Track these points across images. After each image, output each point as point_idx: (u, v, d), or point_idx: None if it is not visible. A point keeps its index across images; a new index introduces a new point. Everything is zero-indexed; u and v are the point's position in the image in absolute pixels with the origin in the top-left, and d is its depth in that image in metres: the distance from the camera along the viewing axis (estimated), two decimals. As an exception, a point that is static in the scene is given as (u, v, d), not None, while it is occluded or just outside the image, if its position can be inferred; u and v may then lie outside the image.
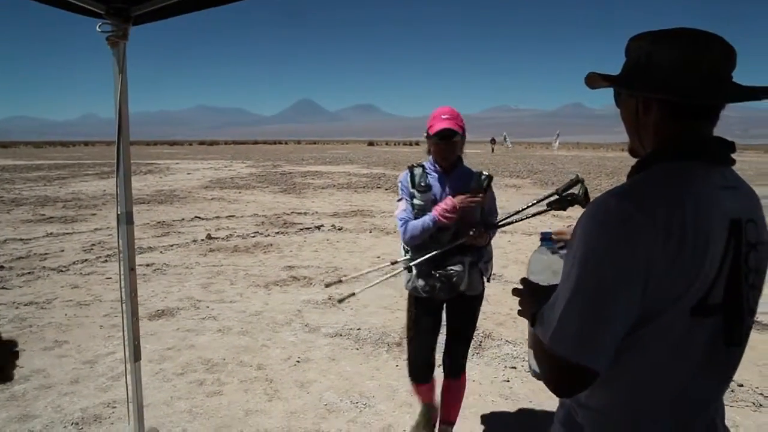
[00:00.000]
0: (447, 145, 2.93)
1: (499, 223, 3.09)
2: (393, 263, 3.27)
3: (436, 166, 3.06)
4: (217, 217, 12.69)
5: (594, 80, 1.22)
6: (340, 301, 3.83)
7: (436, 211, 2.88)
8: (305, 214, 13.26)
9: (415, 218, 2.98)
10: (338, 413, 3.89)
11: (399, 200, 3.08)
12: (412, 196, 3.03)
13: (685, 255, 1.06)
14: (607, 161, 39.53)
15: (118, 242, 2.45)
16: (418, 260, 2.98)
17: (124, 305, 2.47)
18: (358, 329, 5.54)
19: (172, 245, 9.49)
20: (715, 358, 1.15)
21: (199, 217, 12.59)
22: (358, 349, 5.06)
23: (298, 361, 4.76)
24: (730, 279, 1.12)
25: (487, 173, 3.08)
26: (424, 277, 3.01)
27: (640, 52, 1.18)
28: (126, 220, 2.43)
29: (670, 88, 1.13)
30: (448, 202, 2.89)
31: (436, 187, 3.01)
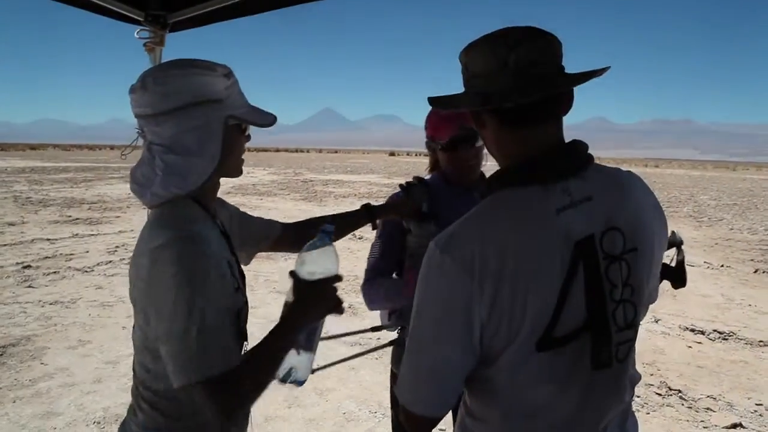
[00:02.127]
0: (470, 150, 1.94)
1: None
2: (375, 329, 2.18)
3: (448, 182, 2.06)
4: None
5: (434, 105, 1.20)
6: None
7: (409, 276, 1.93)
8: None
9: (395, 269, 2.08)
10: (357, 422, 3.88)
11: (378, 238, 2.09)
12: (402, 233, 2.03)
13: (504, 295, 1.01)
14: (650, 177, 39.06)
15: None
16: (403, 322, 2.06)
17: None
18: (378, 338, 5.53)
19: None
20: (584, 383, 1.09)
21: (222, 223, 12.71)
22: (377, 358, 5.05)
23: (318, 369, 4.75)
24: (591, 300, 1.05)
25: None
26: None
27: (461, 66, 1.13)
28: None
29: (481, 97, 1.07)
30: None
31: (447, 215, 1.85)
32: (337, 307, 1.33)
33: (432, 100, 1.20)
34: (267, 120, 1.33)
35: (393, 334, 2.15)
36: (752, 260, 10.18)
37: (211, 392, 1.13)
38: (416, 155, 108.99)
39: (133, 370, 1.40)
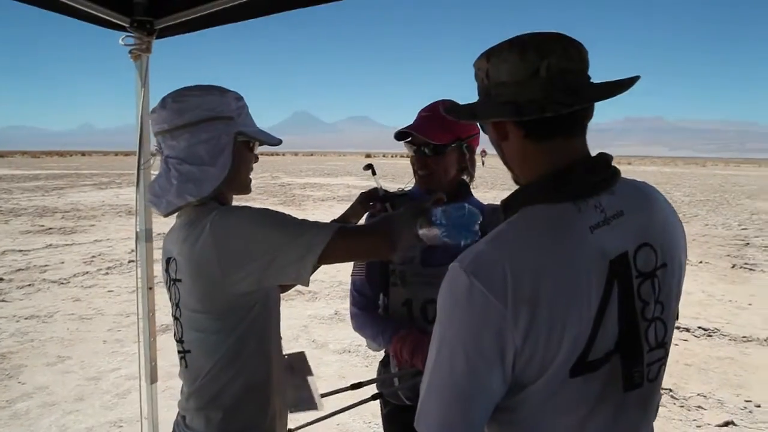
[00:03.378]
0: (420, 157, 1.85)
1: None
2: (354, 386, 1.98)
3: (427, 194, 1.86)
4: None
5: (452, 115, 1.14)
6: None
7: (393, 345, 1.81)
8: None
9: (380, 289, 1.98)
10: (351, 435, 3.80)
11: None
12: None
13: (540, 322, 0.94)
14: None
15: (137, 260, 2.38)
16: (396, 377, 1.92)
17: (140, 324, 2.40)
18: (366, 346, 5.45)
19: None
20: (615, 406, 1.05)
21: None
22: (367, 366, 4.98)
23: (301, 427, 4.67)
24: (624, 320, 1.00)
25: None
26: (409, 379, 1.89)
27: (480, 73, 1.07)
28: (145, 237, 2.36)
29: (511, 107, 1.00)
30: (413, 346, 1.74)
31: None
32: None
33: (453, 110, 1.14)
34: (273, 140, 1.49)
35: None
36: (728, 255, 10.35)
37: (350, 233, 1.35)
38: (392, 156, 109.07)
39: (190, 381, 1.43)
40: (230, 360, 1.37)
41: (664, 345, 1.08)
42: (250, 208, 1.34)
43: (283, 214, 1.33)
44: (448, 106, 1.15)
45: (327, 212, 15.74)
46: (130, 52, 2.22)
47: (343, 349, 5.37)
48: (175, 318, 1.43)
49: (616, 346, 1.00)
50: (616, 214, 1.02)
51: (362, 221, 2.00)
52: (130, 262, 9.06)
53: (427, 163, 1.84)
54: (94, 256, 9.53)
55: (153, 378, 2.42)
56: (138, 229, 2.36)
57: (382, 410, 2.12)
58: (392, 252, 1.38)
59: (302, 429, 1.90)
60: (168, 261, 1.43)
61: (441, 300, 1.03)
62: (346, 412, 3.72)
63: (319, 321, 6.21)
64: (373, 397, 2.02)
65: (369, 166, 2.02)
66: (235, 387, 1.38)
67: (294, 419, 1.67)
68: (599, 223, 0.99)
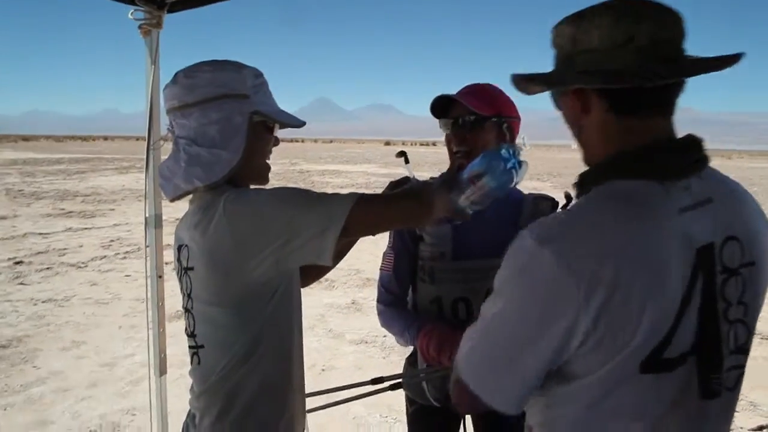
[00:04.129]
0: (457, 132, 1.69)
1: None
2: (376, 381, 1.86)
3: None
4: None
5: (521, 84, 1.03)
6: None
7: (420, 340, 1.69)
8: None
9: (408, 284, 1.85)
10: (367, 428, 3.70)
11: (390, 247, 1.85)
12: (415, 240, 1.79)
13: (616, 304, 0.86)
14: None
15: (146, 247, 2.27)
16: (423, 377, 1.79)
17: (149, 314, 2.29)
18: (384, 336, 5.35)
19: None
20: (690, 415, 0.95)
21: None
22: (384, 357, 4.87)
23: (323, 370, 4.58)
24: (704, 319, 0.90)
25: (551, 199, 1.80)
26: (437, 379, 1.77)
27: (563, 39, 0.98)
28: (155, 223, 2.25)
29: (602, 73, 0.92)
30: (440, 342, 1.64)
31: (461, 224, 1.69)
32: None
33: (524, 79, 1.02)
34: (296, 121, 1.35)
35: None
36: None
37: (376, 198, 1.24)
38: (411, 144, 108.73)
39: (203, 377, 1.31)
40: (246, 356, 1.25)
41: (745, 350, 0.98)
42: (265, 189, 1.23)
43: (301, 189, 1.21)
44: (517, 77, 1.03)
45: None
46: (139, 27, 2.10)
47: (360, 339, 5.27)
48: (187, 310, 1.32)
49: (693, 347, 0.91)
50: (704, 201, 0.93)
51: (383, 265, 1.90)
52: (148, 246, 9.06)
53: (466, 138, 1.67)
54: (112, 240, 9.55)
55: (162, 370, 2.32)
56: (147, 215, 2.25)
57: (407, 409, 1.98)
58: (429, 215, 1.26)
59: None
60: (179, 248, 1.32)
61: (506, 268, 0.96)
62: (363, 406, 3.60)
63: (336, 310, 6.12)
64: (392, 387, 1.88)
65: (402, 153, 1.88)
66: (251, 385, 1.26)
67: (308, 402, 1.54)
68: (687, 206, 0.91)
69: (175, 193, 1.31)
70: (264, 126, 1.32)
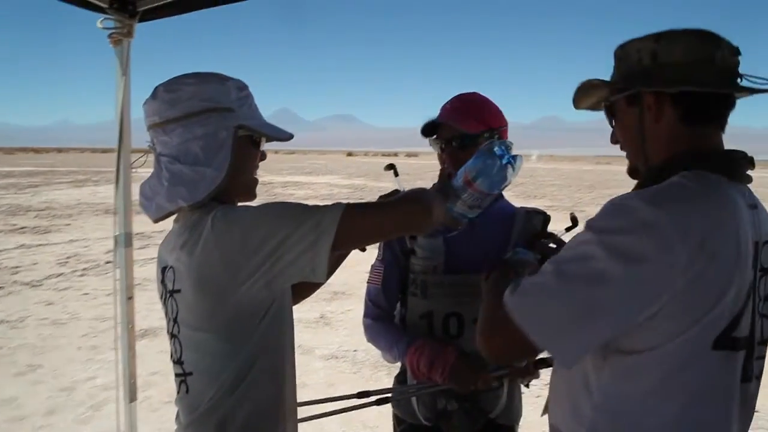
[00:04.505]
0: (450, 152, 1.68)
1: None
2: (362, 395, 1.81)
3: None
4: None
5: (590, 90, 1.16)
6: None
7: (409, 356, 1.65)
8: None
9: (396, 300, 1.81)
10: (342, 448, 3.60)
11: (379, 260, 1.80)
12: (406, 253, 1.75)
13: (709, 275, 0.95)
14: (585, 174, 39.95)
15: (115, 268, 2.16)
16: (413, 392, 1.74)
17: (119, 339, 2.18)
18: (354, 351, 5.27)
19: (151, 258, 9.09)
20: (735, 397, 1.05)
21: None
22: (355, 372, 4.79)
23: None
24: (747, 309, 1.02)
25: (543, 213, 1.78)
26: (427, 395, 1.73)
27: (641, 53, 1.10)
28: (125, 242, 2.14)
29: (688, 81, 1.05)
30: (431, 358, 1.60)
31: (454, 238, 1.65)
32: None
33: (603, 82, 1.14)
34: (283, 134, 1.30)
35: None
36: None
37: (370, 206, 1.19)
38: (374, 155, 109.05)
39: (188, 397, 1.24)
40: (237, 383, 1.17)
41: (765, 344, 1.09)
42: (253, 205, 1.18)
43: (290, 203, 1.16)
44: (591, 82, 1.14)
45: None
46: (109, 36, 2.00)
47: (330, 354, 5.17)
48: (173, 335, 1.24)
49: (749, 332, 1.02)
50: (754, 205, 1.07)
51: (371, 278, 1.84)
52: (107, 263, 8.75)
53: (459, 158, 1.61)
54: (69, 257, 9.20)
55: (132, 396, 2.20)
56: (116, 233, 2.14)
57: (394, 428, 1.92)
58: (430, 221, 1.22)
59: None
60: (163, 270, 1.24)
61: (605, 221, 1.00)
62: (337, 423, 3.51)
63: (305, 325, 6.00)
64: (378, 402, 1.81)
65: (391, 166, 1.84)
66: (243, 413, 1.19)
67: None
68: (750, 205, 1.05)
69: (159, 214, 1.24)
70: (250, 140, 1.27)
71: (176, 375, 1.24)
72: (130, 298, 2.17)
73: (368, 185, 25.41)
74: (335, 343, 5.43)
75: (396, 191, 1.49)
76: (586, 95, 1.20)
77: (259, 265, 1.10)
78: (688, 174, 1.04)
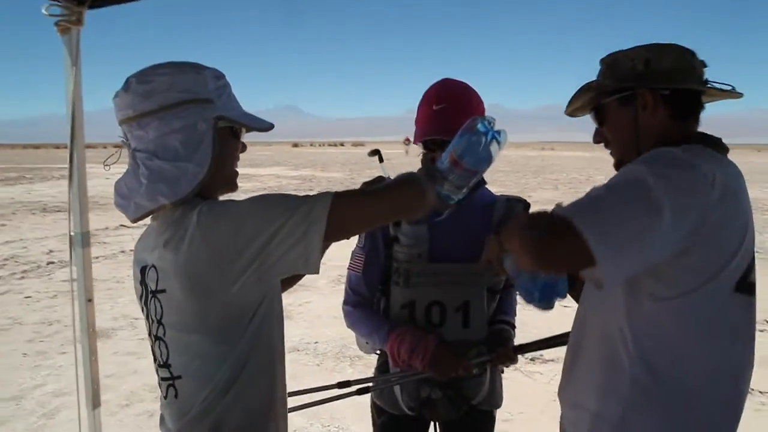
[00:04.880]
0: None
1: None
2: (342, 385, 1.83)
3: None
4: (146, 225, 11.84)
5: (583, 93, 1.36)
6: None
7: (390, 342, 1.65)
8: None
9: (377, 288, 1.79)
10: (310, 440, 3.57)
11: (360, 247, 1.78)
12: (388, 241, 1.73)
13: (734, 220, 1.12)
14: (531, 160, 40.88)
15: (71, 269, 2.05)
16: (395, 381, 1.74)
17: (79, 343, 2.07)
18: (316, 343, 5.23)
19: (97, 257, 8.73)
20: (748, 338, 1.21)
21: (125, 226, 11.74)
22: (318, 365, 4.76)
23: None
24: None
25: (523, 201, 1.80)
26: (410, 383, 1.72)
27: (635, 61, 1.28)
28: (82, 241, 2.03)
29: (682, 84, 1.26)
30: (412, 345, 1.61)
31: (437, 225, 1.68)
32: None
33: (605, 84, 1.34)
34: (264, 124, 1.25)
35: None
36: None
37: (360, 192, 1.16)
38: (319, 145, 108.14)
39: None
40: (230, 383, 1.13)
41: None
42: (239, 199, 1.13)
43: (278, 194, 1.12)
44: (594, 84, 1.35)
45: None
46: (56, 24, 1.88)
47: (292, 347, 5.11)
48: (156, 338, 1.17)
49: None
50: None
51: (351, 264, 1.83)
52: (49, 264, 8.36)
53: None
54: (6, 259, 8.73)
55: (95, 402, 2.10)
56: (72, 233, 2.02)
57: (374, 419, 1.90)
58: (425, 204, 1.20)
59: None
60: (143, 270, 1.18)
61: (650, 161, 1.13)
62: (302, 416, 3.48)
63: (263, 319, 5.91)
64: (359, 392, 1.82)
65: (376, 152, 1.81)
66: (237, 414, 1.14)
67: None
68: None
69: (138, 213, 1.18)
70: (230, 131, 1.22)
71: (162, 379, 1.18)
72: (90, 300, 2.06)
73: (316, 176, 25.20)
74: (296, 336, 5.36)
75: (381, 177, 1.47)
76: (575, 99, 1.39)
77: (251, 261, 1.06)
78: (688, 146, 1.18)
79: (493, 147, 1.24)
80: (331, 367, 4.69)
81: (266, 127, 1.25)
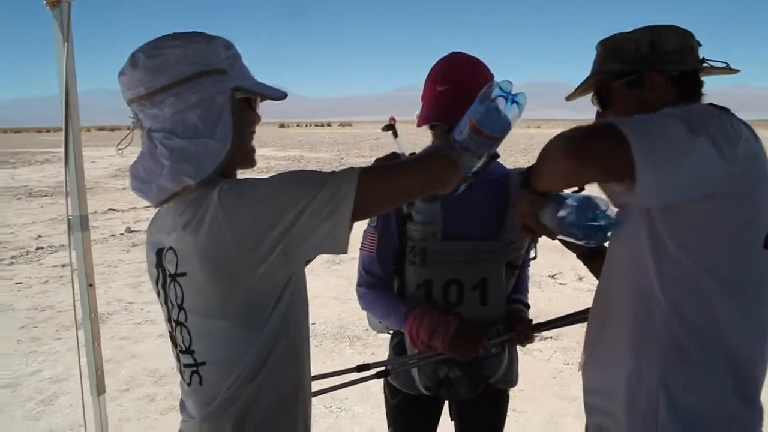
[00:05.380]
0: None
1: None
2: (360, 368, 1.81)
3: None
4: (134, 208, 11.75)
5: (587, 82, 1.39)
6: None
7: (408, 324, 1.62)
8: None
9: (392, 267, 1.74)
10: (313, 421, 3.54)
11: (372, 227, 1.73)
12: (400, 219, 1.69)
13: (756, 179, 1.11)
14: (519, 138, 40.82)
15: (70, 253, 1.99)
16: (414, 363, 1.72)
17: (81, 330, 2.02)
18: (313, 324, 5.19)
19: (87, 242, 8.63)
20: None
21: (114, 209, 11.63)
22: (317, 346, 4.73)
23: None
24: None
25: None
26: (428, 365, 1.69)
27: (639, 43, 1.29)
28: (81, 225, 1.96)
29: (688, 64, 1.29)
30: (432, 326, 1.58)
31: (452, 202, 1.59)
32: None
33: (603, 73, 1.36)
34: (278, 93, 1.19)
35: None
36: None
37: (389, 167, 1.12)
38: (306, 126, 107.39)
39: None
40: (258, 368, 1.09)
41: None
42: (261, 177, 1.07)
43: (301, 171, 1.06)
44: (590, 77, 1.38)
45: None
46: (44, -2, 1.79)
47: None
48: (178, 323, 1.12)
49: None
50: None
51: (364, 245, 1.77)
52: (38, 249, 8.24)
53: None
54: (-8, 243, 8.61)
55: (100, 389, 2.06)
56: (70, 216, 1.96)
57: (387, 399, 1.87)
58: (457, 176, 1.14)
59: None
60: (159, 253, 1.12)
61: (685, 107, 1.18)
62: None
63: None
64: (378, 375, 1.80)
65: (390, 127, 1.74)
66: (265, 401, 1.10)
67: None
68: None
69: (161, 196, 1.10)
70: (246, 103, 1.15)
71: (185, 365, 1.14)
72: (90, 285, 2.00)
73: (305, 156, 25.05)
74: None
75: (395, 154, 1.41)
76: (582, 86, 1.42)
77: (276, 242, 1.01)
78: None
79: (513, 111, 1.19)
80: (330, 348, 4.67)
81: (281, 95, 1.19)
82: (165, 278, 1.12)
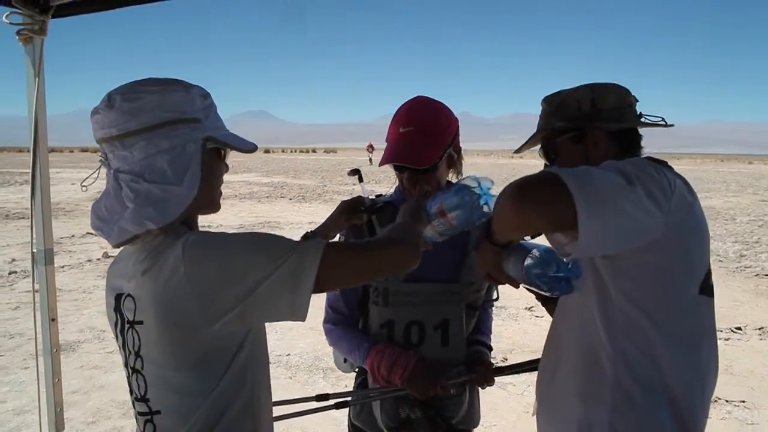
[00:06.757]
0: (412, 177, 1.65)
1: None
2: (320, 398, 1.83)
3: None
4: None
5: (535, 136, 1.48)
6: None
7: (370, 359, 1.64)
8: (209, 227, 12.50)
9: (370, 299, 1.73)
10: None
11: None
12: None
13: (691, 228, 1.18)
14: (502, 168, 41.25)
15: (33, 286, 1.97)
16: (374, 396, 1.71)
17: (41, 366, 1.98)
18: (288, 355, 5.15)
19: (62, 266, 8.48)
20: (712, 343, 1.26)
21: (92, 233, 11.46)
22: (291, 377, 4.68)
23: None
24: None
25: None
26: (389, 402, 1.68)
27: (580, 102, 1.38)
28: (45, 258, 1.95)
29: (629, 121, 1.39)
30: (392, 361, 1.60)
31: None
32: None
33: (546, 134, 1.48)
34: (248, 146, 1.21)
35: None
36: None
37: (352, 246, 1.17)
38: (291, 151, 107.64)
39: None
40: (211, 423, 1.08)
41: None
42: (227, 234, 1.08)
43: (266, 235, 1.07)
44: (538, 132, 1.49)
45: (230, 211, 15.06)
46: (18, 33, 1.81)
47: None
48: (134, 370, 1.12)
49: None
50: None
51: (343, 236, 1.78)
52: (11, 273, 8.08)
53: (421, 183, 1.64)
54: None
55: (59, 426, 2.02)
56: (35, 249, 1.94)
57: None
58: (417, 261, 1.16)
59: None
60: (118, 298, 1.12)
61: (639, 165, 1.18)
62: (274, 427, 3.39)
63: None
64: (337, 406, 1.81)
65: (356, 171, 1.78)
66: None
67: None
68: None
69: (121, 238, 1.10)
70: (217, 153, 1.18)
71: (140, 413, 1.13)
72: (53, 319, 1.98)
73: (288, 182, 25.00)
74: (268, 348, 5.27)
75: (360, 198, 1.45)
76: (530, 141, 1.51)
77: (235, 303, 1.01)
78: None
79: (483, 210, 1.26)
80: (304, 380, 4.62)
81: (251, 148, 1.21)
82: (123, 324, 1.12)
